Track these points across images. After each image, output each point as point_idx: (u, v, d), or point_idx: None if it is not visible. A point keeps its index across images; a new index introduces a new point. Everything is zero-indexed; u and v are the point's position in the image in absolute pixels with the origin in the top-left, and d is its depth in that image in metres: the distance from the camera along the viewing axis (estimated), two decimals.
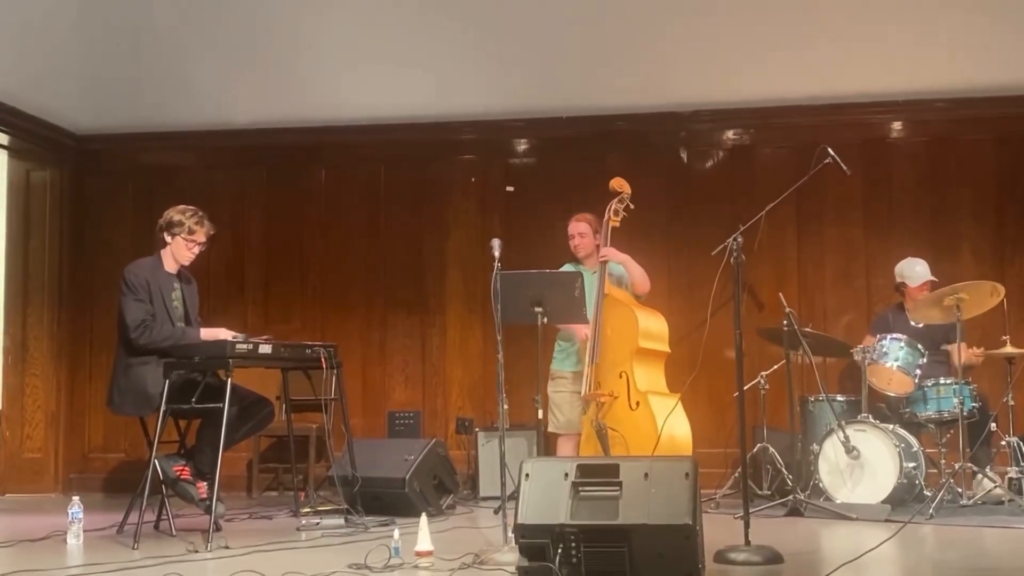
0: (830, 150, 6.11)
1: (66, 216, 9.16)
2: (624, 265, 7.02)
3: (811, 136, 7.81)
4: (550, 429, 7.02)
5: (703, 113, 8.69)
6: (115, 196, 9.23)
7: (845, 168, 6.20)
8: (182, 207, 6.37)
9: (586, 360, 6.79)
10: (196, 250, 6.34)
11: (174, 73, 8.22)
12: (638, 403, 6.57)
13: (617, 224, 7.02)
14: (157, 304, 6.16)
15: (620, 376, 6.65)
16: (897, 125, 8.59)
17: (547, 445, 6.69)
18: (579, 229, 7.16)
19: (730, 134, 8.76)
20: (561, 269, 6.94)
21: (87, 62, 8.08)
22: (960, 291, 6.72)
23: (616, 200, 7.02)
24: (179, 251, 6.31)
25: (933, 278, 7.48)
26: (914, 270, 7.57)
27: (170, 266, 6.33)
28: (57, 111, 8.83)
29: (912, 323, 7.39)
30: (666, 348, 6.88)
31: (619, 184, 7.06)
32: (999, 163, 8.41)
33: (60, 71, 8.13)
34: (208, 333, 6.21)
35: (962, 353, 6.88)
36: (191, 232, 6.28)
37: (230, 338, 6.01)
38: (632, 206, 7.04)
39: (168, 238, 6.30)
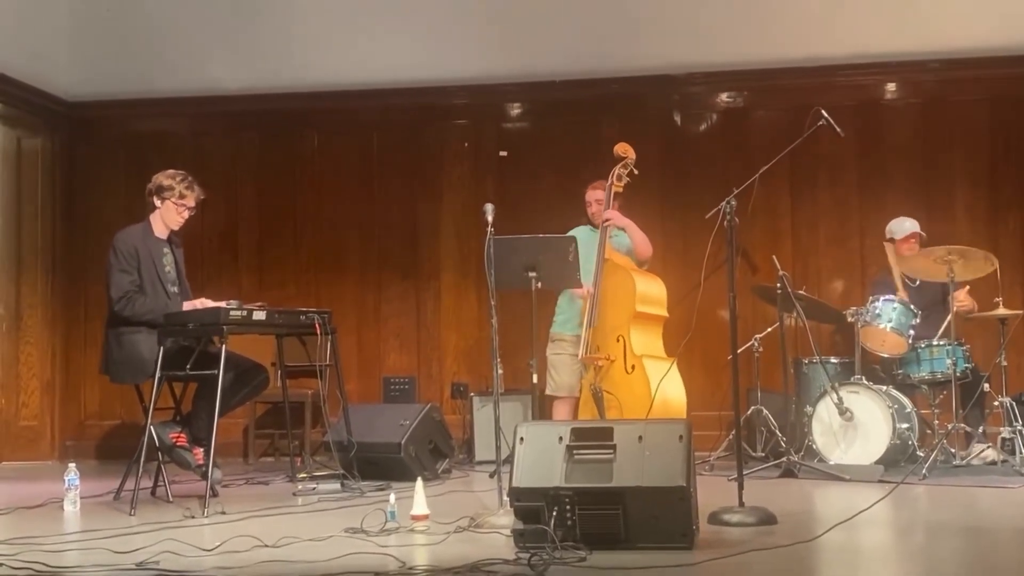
0: (824, 112, 6.08)
1: (58, 183, 9.12)
2: (626, 230, 7.08)
3: (804, 98, 7.76)
4: (547, 392, 7.07)
5: (697, 76, 8.64)
6: (107, 163, 9.19)
7: (839, 130, 6.16)
8: (171, 171, 6.32)
9: (584, 323, 6.82)
10: (186, 214, 6.30)
11: (165, 39, 8.17)
12: (633, 367, 6.61)
13: (620, 189, 7.07)
14: (148, 270, 6.13)
15: (617, 340, 6.69)
16: (891, 87, 8.56)
17: (542, 409, 6.71)
18: (597, 196, 7.19)
19: (724, 97, 8.72)
20: (574, 231, 6.92)
21: (77, 28, 8.03)
22: (953, 253, 6.71)
23: (620, 165, 7.06)
24: (169, 215, 6.26)
25: (919, 231, 7.47)
26: (902, 225, 7.56)
27: (160, 231, 6.30)
28: (48, 78, 8.76)
29: (908, 282, 7.38)
30: (664, 312, 6.91)
31: (623, 149, 7.08)
32: (993, 124, 8.38)
33: (51, 38, 8.07)
34: (190, 306, 6.15)
35: (959, 298, 6.83)
36: (181, 196, 6.23)
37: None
38: (636, 171, 7.06)
39: (158, 202, 6.26)
